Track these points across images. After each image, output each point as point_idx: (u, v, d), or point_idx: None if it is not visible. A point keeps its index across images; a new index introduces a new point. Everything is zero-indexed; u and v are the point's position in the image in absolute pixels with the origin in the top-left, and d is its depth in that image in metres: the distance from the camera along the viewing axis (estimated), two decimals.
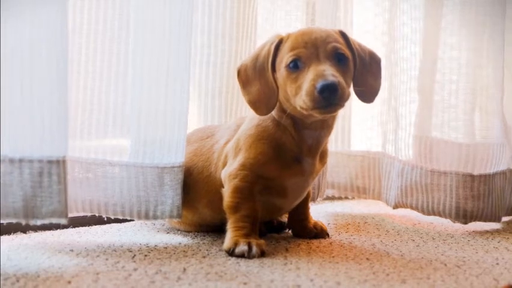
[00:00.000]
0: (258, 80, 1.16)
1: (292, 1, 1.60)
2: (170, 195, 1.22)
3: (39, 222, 1.05)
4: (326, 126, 1.19)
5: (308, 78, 1.07)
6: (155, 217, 1.22)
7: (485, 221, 1.48)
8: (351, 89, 1.17)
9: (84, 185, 1.20)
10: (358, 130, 1.77)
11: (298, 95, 1.09)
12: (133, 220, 1.38)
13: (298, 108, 1.10)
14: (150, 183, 1.21)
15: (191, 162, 1.26)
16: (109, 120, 1.23)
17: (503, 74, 1.53)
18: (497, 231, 1.46)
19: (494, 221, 1.49)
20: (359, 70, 1.17)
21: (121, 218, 1.23)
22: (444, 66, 1.52)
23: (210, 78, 1.44)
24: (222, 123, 1.43)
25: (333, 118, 1.20)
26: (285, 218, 1.38)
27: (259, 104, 1.16)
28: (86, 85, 1.22)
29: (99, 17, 1.22)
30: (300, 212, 1.31)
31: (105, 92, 1.22)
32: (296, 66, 1.11)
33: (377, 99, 1.64)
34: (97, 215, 1.23)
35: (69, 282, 0.92)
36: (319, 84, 1.05)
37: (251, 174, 1.16)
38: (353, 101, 1.70)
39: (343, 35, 1.18)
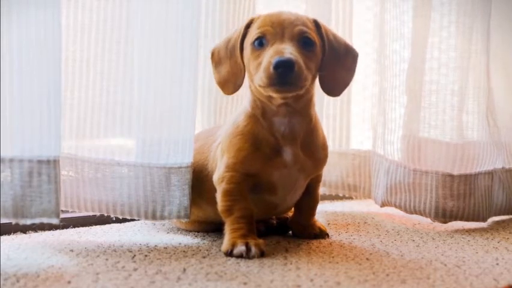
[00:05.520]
0: (229, 60, 1.19)
1: (291, 1, 1.61)
2: (178, 196, 1.22)
3: (29, 222, 1.05)
4: (296, 114, 1.17)
5: (267, 55, 1.09)
6: (162, 217, 1.23)
7: (467, 220, 1.49)
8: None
9: (93, 185, 1.21)
10: (359, 131, 1.77)
11: (258, 73, 1.10)
12: (135, 220, 1.38)
13: (258, 86, 1.11)
14: (157, 184, 1.22)
15: (195, 159, 1.27)
16: (117, 120, 1.24)
17: (487, 75, 1.54)
18: (497, 231, 1.45)
19: (477, 220, 1.50)
20: (328, 60, 1.17)
21: (128, 218, 1.24)
22: (432, 67, 1.52)
23: (199, 77, 1.45)
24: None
25: (304, 105, 1.18)
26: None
27: (227, 83, 1.20)
28: (95, 85, 1.23)
29: (107, 16, 1.22)
30: (304, 217, 1.31)
31: (113, 92, 1.23)
32: (261, 44, 1.12)
33: (373, 98, 1.66)
34: (105, 214, 1.23)
35: (69, 282, 0.92)
36: (274, 60, 1.06)
37: (236, 174, 1.16)
38: (352, 102, 1.73)
39: (315, 23, 1.18)
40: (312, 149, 1.21)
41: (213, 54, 1.23)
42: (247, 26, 1.17)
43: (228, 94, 1.22)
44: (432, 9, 1.53)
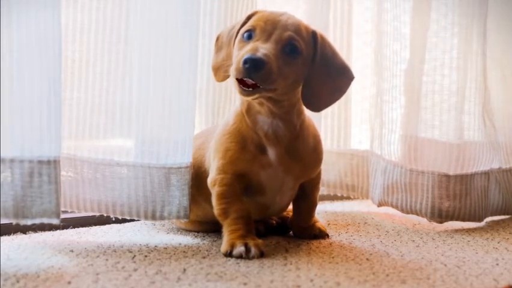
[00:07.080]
0: (227, 47, 1.19)
1: (291, 1, 1.61)
2: (177, 196, 1.22)
3: (29, 222, 1.05)
4: (277, 117, 1.16)
5: (244, 49, 1.09)
6: (162, 218, 1.23)
7: (463, 220, 1.49)
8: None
9: (92, 185, 1.21)
10: (357, 130, 1.77)
11: (234, 63, 1.10)
12: (135, 220, 1.37)
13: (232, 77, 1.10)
14: (157, 184, 1.22)
15: (194, 155, 1.27)
16: (116, 121, 1.24)
17: (484, 76, 1.54)
18: (496, 231, 1.46)
19: (473, 221, 1.51)
20: (316, 74, 1.15)
21: (128, 218, 1.24)
22: (430, 67, 1.53)
23: (198, 77, 1.44)
24: None
25: (285, 112, 1.16)
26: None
27: (219, 70, 1.20)
28: (94, 85, 1.23)
29: (107, 16, 1.22)
30: (302, 219, 1.31)
31: (112, 93, 1.23)
32: (249, 36, 1.12)
33: (371, 99, 1.66)
34: (105, 215, 1.23)
35: (69, 282, 0.92)
36: (245, 56, 1.05)
37: (227, 176, 1.16)
38: (351, 102, 1.73)
39: (313, 35, 1.16)
40: (300, 153, 1.20)
41: (217, 39, 1.23)
42: (249, 17, 1.17)
43: (218, 81, 1.22)
44: (432, 9, 1.53)
